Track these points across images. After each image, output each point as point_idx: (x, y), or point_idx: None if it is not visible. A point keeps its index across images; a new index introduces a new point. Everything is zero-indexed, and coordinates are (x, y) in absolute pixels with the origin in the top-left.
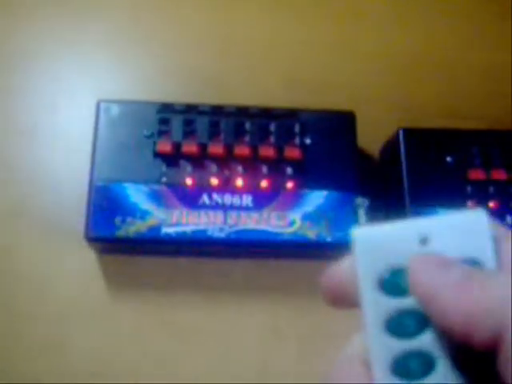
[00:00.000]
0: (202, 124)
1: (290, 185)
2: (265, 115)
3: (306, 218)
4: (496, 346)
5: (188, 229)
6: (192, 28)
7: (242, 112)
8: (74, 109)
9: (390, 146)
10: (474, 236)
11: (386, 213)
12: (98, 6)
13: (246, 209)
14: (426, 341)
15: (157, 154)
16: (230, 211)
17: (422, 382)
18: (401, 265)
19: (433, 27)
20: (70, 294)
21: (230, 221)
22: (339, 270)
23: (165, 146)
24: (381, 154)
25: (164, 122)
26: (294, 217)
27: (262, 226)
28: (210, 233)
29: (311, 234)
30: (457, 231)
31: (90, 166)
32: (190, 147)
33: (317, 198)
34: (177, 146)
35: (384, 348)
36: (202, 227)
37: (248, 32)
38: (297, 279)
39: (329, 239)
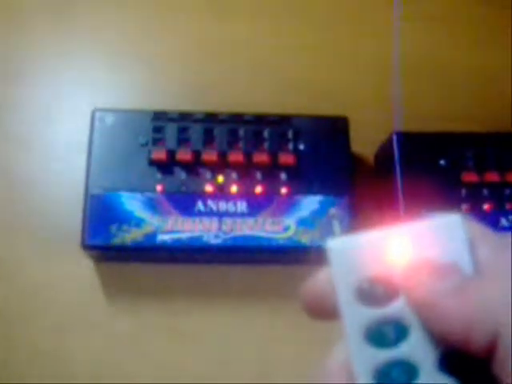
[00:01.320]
0: (195, 131)
1: (284, 190)
2: (258, 122)
3: (301, 223)
4: (493, 349)
5: (183, 236)
6: (185, 37)
7: (236, 119)
8: (70, 118)
9: (384, 150)
10: (450, 240)
11: (381, 216)
12: (94, 17)
13: (241, 215)
14: (407, 349)
15: (151, 162)
16: (224, 218)
17: None
18: (377, 274)
19: (428, 31)
20: (67, 302)
21: (225, 227)
22: (316, 282)
23: (159, 154)
24: (375, 158)
25: (158, 130)
26: (289, 222)
27: (257, 232)
28: (205, 239)
29: (306, 239)
30: (432, 237)
31: (85, 174)
32: (184, 155)
33: (311, 203)
34: (171, 154)
35: (366, 358)
36: (197, 234)
37: (241, 40)
38: (293, 284)
39: (323, 244)
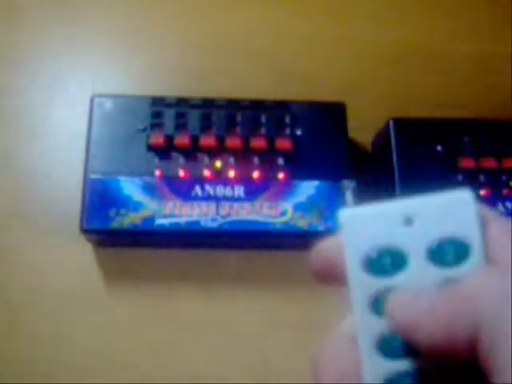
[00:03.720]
0: (193, 117)
1: (281, 175)
2: (256, 107)
3: (298, 207)
4: (476, 348)
5: (181, 220)
6: (183, 24)
7: (233, 104)
8: (70, 105)
9: (381, 136)
10: (460, 216)
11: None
12: (92, 5)
13: (239, 199)
14: None
15: (150, 147)
16: (222, 202)
17: (405, 360)
18: (385, 245)
19: (424, 19)
20: (66, 286)
21: (223, 211)
22: (326, 246)
23: (158, 139)
24: (372, 144)
25: (157, 115)
26: (286, 207)
27: (254, 216)
28: (203, 223)
29: (303, 223)
30: (442, 211)
31: (85, 159)
32: (182, 140)
33: (308, 188)
34: (169, 139)
35: (369, 326)
36: (195, 218)
37: (238, 27)
38: (290, 269)
39: (320, 228)
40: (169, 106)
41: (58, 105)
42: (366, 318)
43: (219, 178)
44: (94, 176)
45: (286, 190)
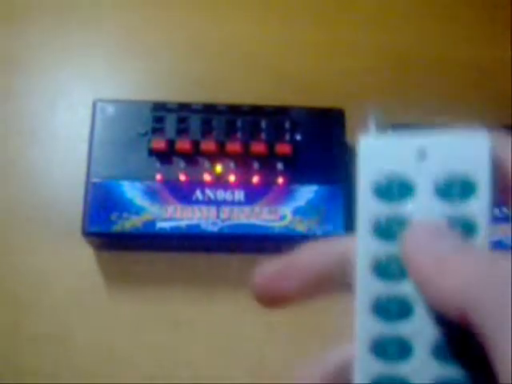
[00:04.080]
0: (194, 122)
1: (280, 180)
2: (256, 113)
3: (297, 212)
4: (467, 326)
5: (182, 223)
6: (184, 30)
7: (234, 110)
8: (72, 109)
9: None
10: (472, 155)
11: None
12: (94, 10)
13: (239, 204)
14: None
15: (151, 152)
16: (222, 206)
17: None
18: (396, 173)
19: (422, 26)
20: (68, 288)
21: (223, 215)
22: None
23: (159, 144)
24: None
25: (158, 120)
26: (285, 211)
27: (254, 220)
28: (203, 227)
29: (302, 227)
30: (457, 149)
31: (87, 163)
32: (183, 144)
33: (307, 193)
34: (170, 144)
35: (370, 248)
36: (195, 222)
37: (240, 33)
38: None
39: (319, 232)
40: (170, 111)
41: (60, 109)
42: (367, 241)
43: (219, 182)
44: (95, 180)
45: (286, 194)
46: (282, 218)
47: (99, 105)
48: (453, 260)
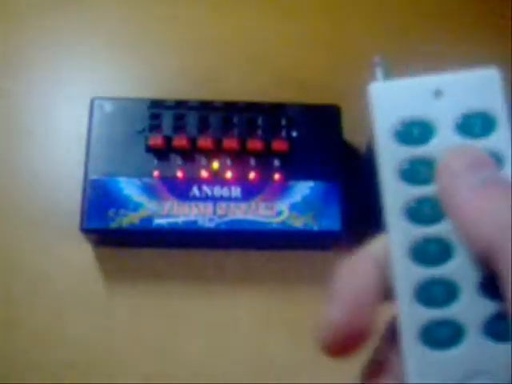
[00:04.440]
0: (191, 119)
1: (277, 176)
2: (252, 110)
3: (294, 208)
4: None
5: (179, 220)
6: (182, 27)
7: (230, 107)
8: (69, 107)
9: None
10: (486, 91)
11: (370, 201)
12: (92, 7)
13: (235, 200)
14: (445, 228)
15: (148, 149)
16: (219, 202)
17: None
18: (415, 115)
19: (419, 23)
20: (66, 285)
21: (220, 211)
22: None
23: (156, 141)
24: (367, 146)
25: (155, 117)
26: (282, 207)
27: (251, 216)
28: (200, 223)
29: (298, 223)
30: (471, 86)
31: (85, 160)
32: (180, 141)
33: (303, 189)
34: (168, 141)
35: (398, 193)
36: (192, 218)
37: (236, 30)
38: (286, 269)
39: (315, 228)
40: (167, 108)
41: (58, 107)
42: (395, 185)
43: (216, 178)
44: (93, 177)
45: (282, 190)
46: (279, 213)
47: (97, 102)
48: (491, 194)
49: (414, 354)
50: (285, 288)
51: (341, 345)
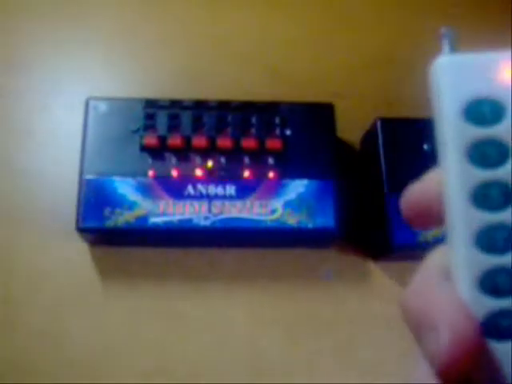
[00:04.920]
0: (185, 118)
1: (271, 174)
2: (246, 108)
3: (288, 205)
4: None
5: (174, 218)
6: (176, 26)
7: (224, 106)
8: (65, 107)
9: (369, 136)
10: None
11: (366, 199)
12: (87, 9)
13: (230, 198)
14: (506, 172)
15: (143, 148)
16: (214, 201)
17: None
18: (484, 93)
19: (408, 23)
20: (63, 284)
21: (215, 210)
22: (419, 187)
23: (151, 140)
24: (361, 143)
25: (150, 117)
26: (276, 205)
27: (245, 214)
28: (195, 221)
29: (293, 221)
30: None
31: (80, 160)
32: (174, 140)
33: (298, 187)
34: (162, 140)
35: (465, 176)
36: (187, 216)
37: (230, 29)
38: (281, 266)
39: (310, 226)
40: (161, 107)
41: (53, 107)
42: (461, 167)
43: (211, 177)
44: (89, 176)
45: (276, 188)
46: (273, 211)
47: (92, 103)
48: None
49: (467, 260)
50: (280, 285)
51: (463, 366)
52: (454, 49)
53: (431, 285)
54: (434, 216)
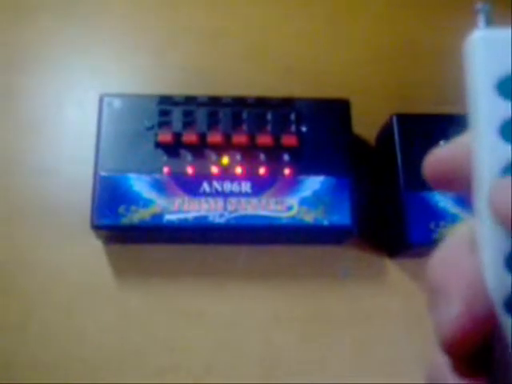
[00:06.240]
0: (201, 115)
1: (287, 171)
2: (261, 105)
3: (304, 202)
4: None
5: (189, 215)
6: (189, 22)
7: (240, 102)
8: (79, 104)
9: (385, 132)
10: None
11: (381, 196)
12: (100, 6)
13: (245, 195)
14: None
15: (158, 145)
16: (229, 198)
17: None
18: None
19: (425, 15)
20: (78, 282)
21: (230, 207)
22: (445, 149)
23: (166, 137)
24: (376, 140)
25: (164, 113)
26: (292, 202)
27: (261, 212)
28: (210, 219)
29: (309, 218)
30: None
31: (95, 157)
32: (189, 137)
33: (313, 184)
34: (177, 137)
35: (497, 154)
36: (203, 213)
37: (244, 25)
38: (297, 264)
39: (325, 223)
40: (176, 104)
41: (67, 104)
42: (494, 145)
43: (226, 174)
44: (103, 173)
45: (292, 185)
46: (289, 208)
47: (106, 99)
48: None
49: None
50: (295, 283)
51: (469, 341)
52: (489, 24)
53: (455, 255)
54: (458, 179)
